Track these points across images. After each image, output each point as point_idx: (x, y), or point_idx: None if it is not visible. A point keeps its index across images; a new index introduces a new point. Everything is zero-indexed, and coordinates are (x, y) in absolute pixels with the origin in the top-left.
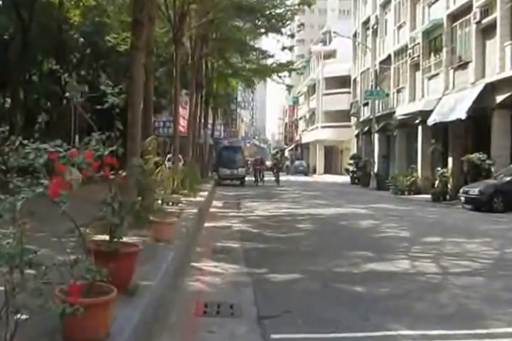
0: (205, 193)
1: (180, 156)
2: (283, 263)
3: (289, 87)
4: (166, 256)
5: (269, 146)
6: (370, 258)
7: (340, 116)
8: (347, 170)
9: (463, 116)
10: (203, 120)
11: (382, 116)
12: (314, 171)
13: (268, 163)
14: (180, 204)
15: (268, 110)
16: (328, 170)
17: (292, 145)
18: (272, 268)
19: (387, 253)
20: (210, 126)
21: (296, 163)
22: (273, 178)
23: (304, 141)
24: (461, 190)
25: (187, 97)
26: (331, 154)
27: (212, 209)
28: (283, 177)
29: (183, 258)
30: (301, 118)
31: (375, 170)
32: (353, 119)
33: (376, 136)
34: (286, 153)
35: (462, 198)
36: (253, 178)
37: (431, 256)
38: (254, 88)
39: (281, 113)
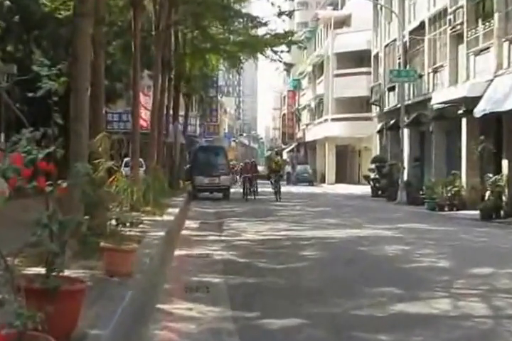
0: (176, 210)
1: (141, 160)
2: (280, 305)
3: (288, 67)
4: (123, 296)
5: (261, 146)
6: (398, 297)
7: (357, 105)
8: (367, 178)
9: None
10: (171, 111)
11: (413, 104)
12: (323, 179)
13: (261, 169)
14: (141, 226)
15: (260, 97)
16: (341, 177)
17: (293, 145)
18: (265, 312)
19: (422, 290)
20: (181, 120)
21: (299, 168)
22: (269, 189)
23: (308, 138)
24: None
25: (150, 81)
26: (346, 156)
27: (185, 232)
28: (282, 188)
29: (147, 299)
30: (304, 107)
31: (405, 177)
32: (375, 109)
33: (406, 131)
34: (285, 156)
35: None
36: (241, 189)
37: (479, 293)
38: (241, 68)
39: (278, 101)
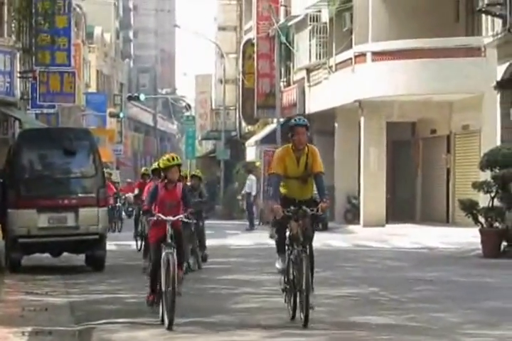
0: None
1: None
2: None
3: None
4: None
5: (187, 127)
6: None
7: (439, 17)
8: (470, 209)
9: None
10: None
11: None
12: (355, 215)
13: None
14: None
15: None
16: (401, 209)
17: (272, 126)
18: None
19: None
20: None
21: None
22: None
23: (314, 106)
24: None
25: None
26: (412, 152)
27: None
28: (242, 239)
29: None
30: (302, 23)
31: None
32: (490, 26)
33: None
34: (251, 153)
35: None
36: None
37: None
38: None
39: (231, 10)
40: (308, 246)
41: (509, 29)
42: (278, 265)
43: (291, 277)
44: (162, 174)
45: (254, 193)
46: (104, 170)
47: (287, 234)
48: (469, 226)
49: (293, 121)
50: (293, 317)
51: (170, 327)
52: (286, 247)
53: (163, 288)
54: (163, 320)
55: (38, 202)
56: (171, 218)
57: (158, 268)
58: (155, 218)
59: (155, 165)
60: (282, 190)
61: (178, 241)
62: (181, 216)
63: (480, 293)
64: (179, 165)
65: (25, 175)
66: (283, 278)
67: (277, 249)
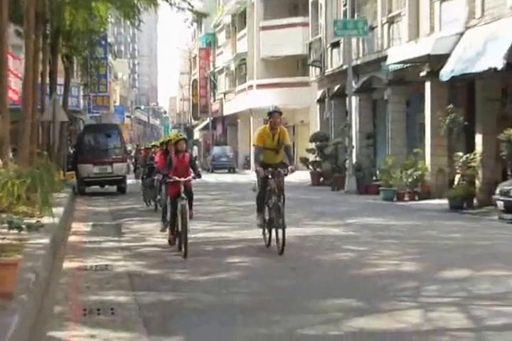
0: (61, 210)
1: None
2: (208, 325)
3: (200, 17)
4: (8, 323)
5: (165, 122)
6: (356, 311)
7: (291, 67)
8: (305, 162)
9: (500, 64)
10: (47, 79)
11: (363, 65)
12: (247, 165)
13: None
14: (16, 231)
15: (161, 59)
16: None
17: (206, 121)
18: (191, 336)
19: (384, 301)
20: (60, 90)
21: (216, 150)
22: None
23: (227, 111)
24: (497, 190)
25: (18, 39)
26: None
27: (73, 238)
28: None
29: (35, 326)
30: (221, 71)
31: (354, 159)
32: (314, 72)
33: (354, 100)
34: (197, 135)
35: (500, 203)
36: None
37: (455, 301)
38: (139, 20)
39: (186, 63)
40: (282, 196)
41: (323, 73)
42: (257, 220)
43: (268, 218)
44: (171, 147)
45: (194, 155)
46: (137, 144)
47: (267, 188)
48: (305, 171)
49: (271, 108)
50: (268, 245)
51: (185, 256)
52: (267, 197)
53: (179, 229)
54: (180, 248)
55: (93, 160)
56: (183, 179)
57: (175, 217)
58: (171, 180)
59: (161, 140)
60: (262, 157)
61: (188, 193)
62: (190, 177)
63: (311, 203)
64: (185, 140)
65: (87, 147)
66: (261, 220)
67: (257, 208)
